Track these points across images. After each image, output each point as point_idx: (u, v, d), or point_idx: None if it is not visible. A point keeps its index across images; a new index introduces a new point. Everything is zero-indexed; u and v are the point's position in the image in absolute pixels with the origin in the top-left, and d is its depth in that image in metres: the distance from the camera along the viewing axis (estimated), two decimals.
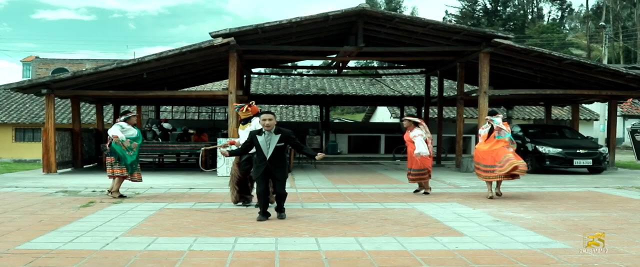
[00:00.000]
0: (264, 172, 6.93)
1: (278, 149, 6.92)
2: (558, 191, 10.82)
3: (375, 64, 29.17)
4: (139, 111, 22.32)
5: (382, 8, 56.98)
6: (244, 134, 8.01)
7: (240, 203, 8.19)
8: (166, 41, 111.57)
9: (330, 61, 19.83)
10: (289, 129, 7.24)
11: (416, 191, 10.13)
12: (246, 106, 8.09)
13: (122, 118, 9.24)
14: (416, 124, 9.94)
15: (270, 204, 7.28)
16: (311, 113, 32.77)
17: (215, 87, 23.27)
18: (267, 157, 6.87)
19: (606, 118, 20.45)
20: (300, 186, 11.29)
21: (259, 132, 6.98)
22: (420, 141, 9.69)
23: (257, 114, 8.06)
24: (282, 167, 7.02)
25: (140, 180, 9.42)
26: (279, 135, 6.93)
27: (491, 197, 9.27)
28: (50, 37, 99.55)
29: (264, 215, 6.98)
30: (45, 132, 14.35)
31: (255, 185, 7.40)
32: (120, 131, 8.99)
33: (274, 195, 7.16)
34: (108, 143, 9.12)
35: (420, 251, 5.32)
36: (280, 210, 7.14)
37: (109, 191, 9.22)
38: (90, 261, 4.92)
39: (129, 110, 8.55)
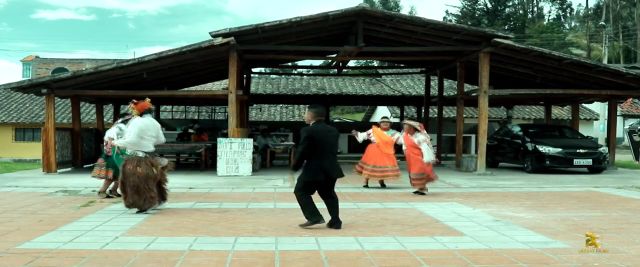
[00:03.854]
0: None
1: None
2: (558, 190, 10.82)
3: (375, 63, 29.14)
4: None
5: (379, 8, 56.86)
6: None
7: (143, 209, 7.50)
8: (166, 41, 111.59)
9: (330, 61, 19.83)
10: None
11: (416, 192, 9.99)
12: (132, 108, 7.81)
13: (120, 120, 9.23)
14: (416, 129, 9.90)
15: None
16: None
17: (215, 86, 23.26)
18: None
19: (606, 118, 20.45)
20: None
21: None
22: (426, 148, 9.67)
23: (148, 111, 7.88)
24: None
25: None
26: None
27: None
28: (50, 37, 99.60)
29: (309, 217, 6.49)
30: (45, 132, 14.35)
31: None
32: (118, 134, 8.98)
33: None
34: (106, 145, 9.08)
35: (420, 251, 5.32)
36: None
37: (99, 192, 9.22)
38: (90, 260, 4.92)
39: (126, 111, 8.54)
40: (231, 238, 5.88)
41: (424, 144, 9.70)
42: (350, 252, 5.29)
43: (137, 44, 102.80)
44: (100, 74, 14.00)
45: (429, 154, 9.64)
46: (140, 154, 7.64)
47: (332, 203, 6.54)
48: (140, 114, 7.80)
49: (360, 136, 10.97)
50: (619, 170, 16.45)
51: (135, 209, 7.50)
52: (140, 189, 7.41)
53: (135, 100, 7.96)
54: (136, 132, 7.59)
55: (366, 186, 11.02)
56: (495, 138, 17.86)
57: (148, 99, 7.99)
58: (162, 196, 7.91)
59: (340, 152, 24.41)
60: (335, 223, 6.49)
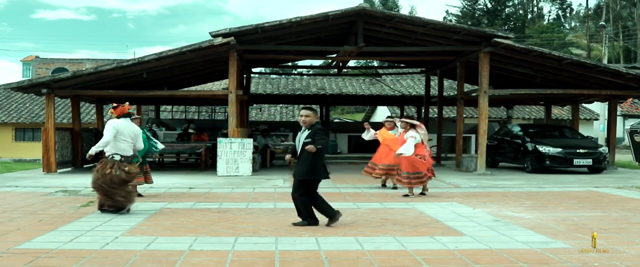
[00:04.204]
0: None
1: (304, 145, 6.49)
2: (558, 190, 10.82)
3: (375, 63, 29.19)
4: (139, 111, 22.33)
5: (378, 8, 56.87)
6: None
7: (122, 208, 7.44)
8: (166, 41, 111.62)
9: (330, 61, 19.83)
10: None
11: (406, 195, 9.62)
12: (111, 113, 7.83)
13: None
14: (413, 126, 9.76)
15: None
16: None
17: (215, 86, 23.27)
18: (298, 153, 6.59)
19: (606, 118, 20.45)
20: None
21: (300, 128, 6.76)
22: (410, 143, 9.48)
23: (127, 115, 7.81)
24: (301, 164, 6.55)
25: (144, 182, 9.32)
26: (308, 131, 6.56)
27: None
28: (50, 37, 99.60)
29: (307, 218, 6.66)
30: (45, 132, 14.35)
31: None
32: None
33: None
34: None
35: (420, 251, 5.32)
36: (299, 218, 6.68)
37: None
38: (90, 260, 4.92)
39: (130, 111, 8.43)
40: (231, 238, 5.88)
41: (410, 139, 9.50)
42: (350, 252, 5.29)
43: (137, 44, 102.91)
44: (100, 74, 14.00)
45: (406, 148, 9.44)
46: (116, 157, 7.49)
47: (320, 198, 6.69)
48: (118, 117, 7.74)
49: (369, 134, 10.90)
50: (619, 170, 16.45)
51: (113, 209, 7.40)
52: (107, 192, 7.32)
53: (114, 105, 7.94)
54: (111, 132, 7.50)
55: (395, 187, 10.74)
56: (495, 138, 17.86)
57: (127, 103, 7.97)
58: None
59: (340, 152, 24.44)
60: (333, 215, 6.58)
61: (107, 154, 7.60)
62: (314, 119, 6.63)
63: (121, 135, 7.60)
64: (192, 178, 12.88)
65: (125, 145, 7.66)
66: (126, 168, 7.48)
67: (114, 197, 7.37)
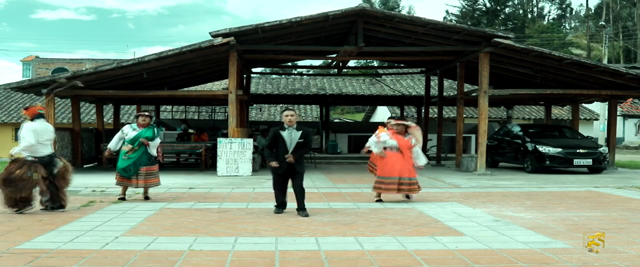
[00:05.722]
0: (287, 168, 7.32)
1: (299, 145, 7.27)
2: (558, 190, 10.82)
3: (375, 63, 29.18)
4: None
5: (378, 8, 56.85)
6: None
7: (17, 209, 7.37)
8: (165, 41, 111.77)
9: (330, 61, 19.83)
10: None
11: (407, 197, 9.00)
12: (24, 114, 7.73)
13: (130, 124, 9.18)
14: (406, 128, 8.77)
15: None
16: (311, 113, 32.78)
17: (215, 86, 23.27)
18: (289, 152, 7.23)
19: (606, 118, 20.45)
20: None
21: (282, 128, 7.33)
22: (419, 150, 8.78)
23: (39, 115, 7.66)
24: (301, 163, 7.43)
25: (138, 186, 8.79)
26: (301, 131, 7.33)
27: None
28: (50, 37, 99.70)
29: (281, 207, 7.56)
30: None
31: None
32: (120, 135, 8.77)
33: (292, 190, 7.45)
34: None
35: (420, 251, 5.32)
36: (301, 208, 7.41)
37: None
38: (90, 260, 4.92)
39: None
40: (231, 238, 5.87)
41: (417, 147, 8.71)
42: (350, 252, 5.29)
43: (137, 44, 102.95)
44: (100, 74, 14.00)
45: (423, 157, 8.80)
46: (30, 159, 7.43)
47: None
48: (32, 119, 7.62)
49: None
50: (619, 170, 16.45)
51: (15, 209, 7.34)
52: (12, 190, 7.26)
53: (26, 106, 7.88)
54: (32, 136, 7.40)
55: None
56: (495, 138, 17.86)
57: (38, 104, 7.92)
58: (58, 201, 7.69)
59: (340, 152, 24.44)
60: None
61: (24, 155, 7.52)
62: (297, 118, 7.45)
63: (40, 137, 7.51)
64: (192, 178, 12.88)
65: (42, 147, 7.58)
66: (38, 170, 7.41)
67: (15, 195, 7.26)
